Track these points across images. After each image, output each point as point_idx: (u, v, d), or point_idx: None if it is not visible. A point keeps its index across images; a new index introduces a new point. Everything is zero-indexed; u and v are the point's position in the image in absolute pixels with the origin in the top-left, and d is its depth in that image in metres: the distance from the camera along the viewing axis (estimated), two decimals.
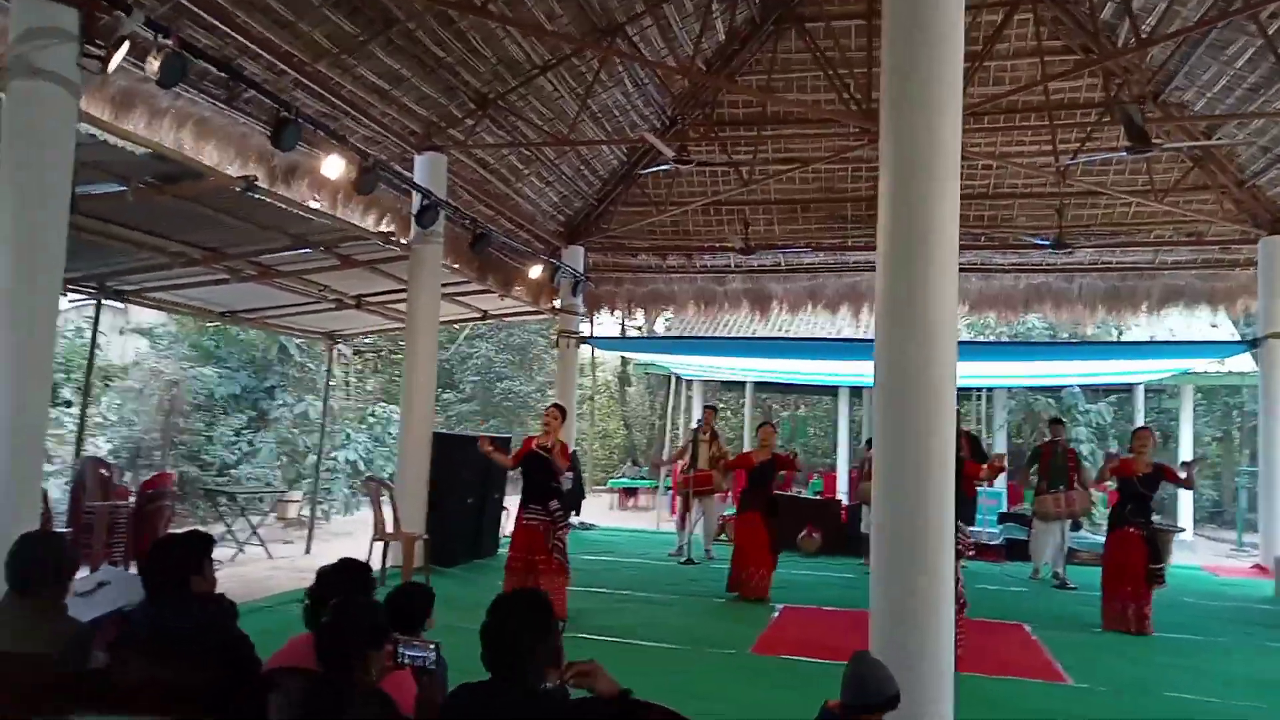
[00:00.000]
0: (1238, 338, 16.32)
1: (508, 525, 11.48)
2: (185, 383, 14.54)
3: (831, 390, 22.12)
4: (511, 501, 12.96)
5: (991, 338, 18.74)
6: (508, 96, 9.92)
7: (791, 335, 15.59)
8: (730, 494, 12.09)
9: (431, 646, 2.81)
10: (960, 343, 12.97)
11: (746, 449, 14.17)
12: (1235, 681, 6.04)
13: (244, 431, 15.89)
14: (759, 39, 10.99)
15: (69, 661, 3.21)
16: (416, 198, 9.48)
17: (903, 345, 4.05)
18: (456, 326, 24.27)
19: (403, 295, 11.88)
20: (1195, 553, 14.11)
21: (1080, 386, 17.81)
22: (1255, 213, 11.50)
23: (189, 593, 3.31)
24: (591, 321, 14.86)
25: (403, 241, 9.63)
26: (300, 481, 15.83)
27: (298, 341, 16.70)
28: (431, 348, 9.83)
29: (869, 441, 11.10)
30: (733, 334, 16.01)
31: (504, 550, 10.72)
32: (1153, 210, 12.12)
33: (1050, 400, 18.23)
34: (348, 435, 17.00)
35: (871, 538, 4.15)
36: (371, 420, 18.16)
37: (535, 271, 12.24)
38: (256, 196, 7.49)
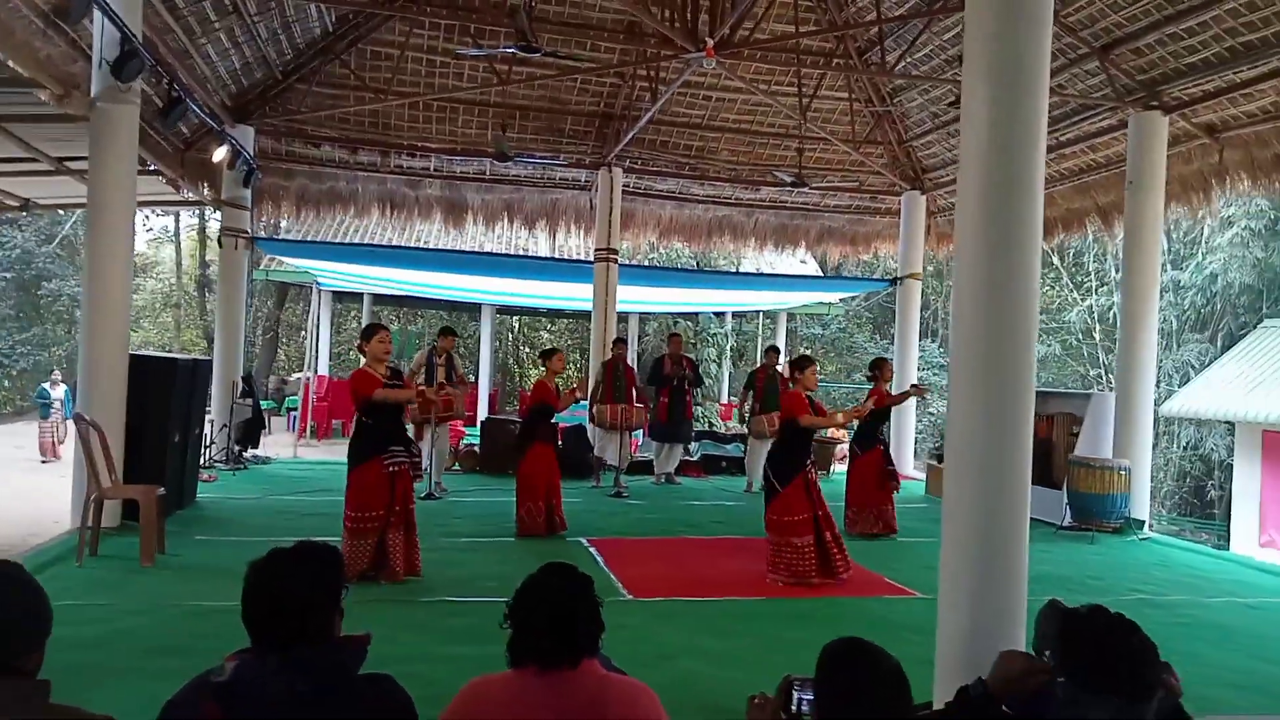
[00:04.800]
0: (818, 273, 19.07)
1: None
2: None
3: (473, 308, 21.54)
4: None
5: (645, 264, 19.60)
6: None
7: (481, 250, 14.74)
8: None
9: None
10: (641, 267, 13.28)
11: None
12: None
13: None
14: None
15: None
16: (102, 39, 7.03)
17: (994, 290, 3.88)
18: None
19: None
20: None
21: (714, 312, 19.54)
22: (905, 169, 13.34)
23: (334, 640, 2.10)
24: (254, 218, 12.52)
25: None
26: None
27: None
28: (126, 241, 7.47)
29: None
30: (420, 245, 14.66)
31: (205, 497, 8.90)
32: (829, 158, 13.47)
33: (689, 323, 19.73)
34: None
35: (949, 480, 4.00)
36: None
37: (220, 154, 9.91)
38: None
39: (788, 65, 11.27)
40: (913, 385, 9.61)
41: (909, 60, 11.11)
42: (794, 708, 2.05)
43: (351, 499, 5.88)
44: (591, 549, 7.45)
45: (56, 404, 14.58)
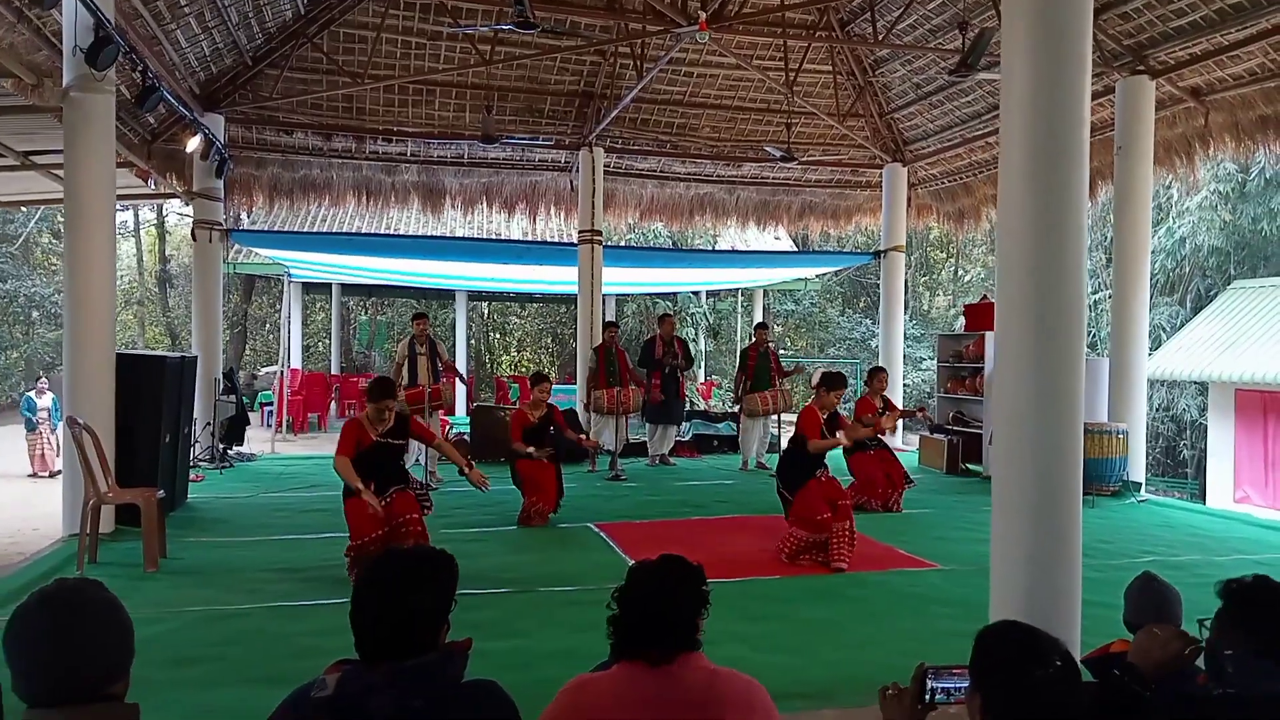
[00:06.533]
0: (793, 248, 19.05)
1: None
2: None
3: (446, 295, 21.22)
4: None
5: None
6: None
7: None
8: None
9: (958, 671, 1.98)
10: (629, 248, 13.13)
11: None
12: None
13: None
14: None
15: None
16: (76, 25, 6.71)
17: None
18: None
19: None
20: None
21: (692, 291, 19.47)
22: (886, 142, 13.30)
23: (442, 650, 1.98)
24: (230, 209, 12.16)
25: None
26: None
27: None
28: (108, 235, 7.16)
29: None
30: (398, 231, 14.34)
31: (196, 498, 8.65)
32: (810, 132, 13.38)
33: (668, 303, 19.64)
34: None
35: (999, 452, 3.95)
36: None
37: (194, 144, 9.58)
38: None
39: (770, 39, 11.13)
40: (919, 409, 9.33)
41: (892, 32, 11.03)
42: (927, 697, 1.97)
43: (351, 528, 5.67)
44: (602, 534, 7.36)
45: (44, 414, 13.27)
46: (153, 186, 11.79)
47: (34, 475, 13.09)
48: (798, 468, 6.53)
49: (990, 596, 4.02)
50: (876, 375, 9.00)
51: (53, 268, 25.68)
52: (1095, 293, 20.45)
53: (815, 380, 7.34)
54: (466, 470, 5.97)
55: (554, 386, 9.32)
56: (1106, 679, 2.04)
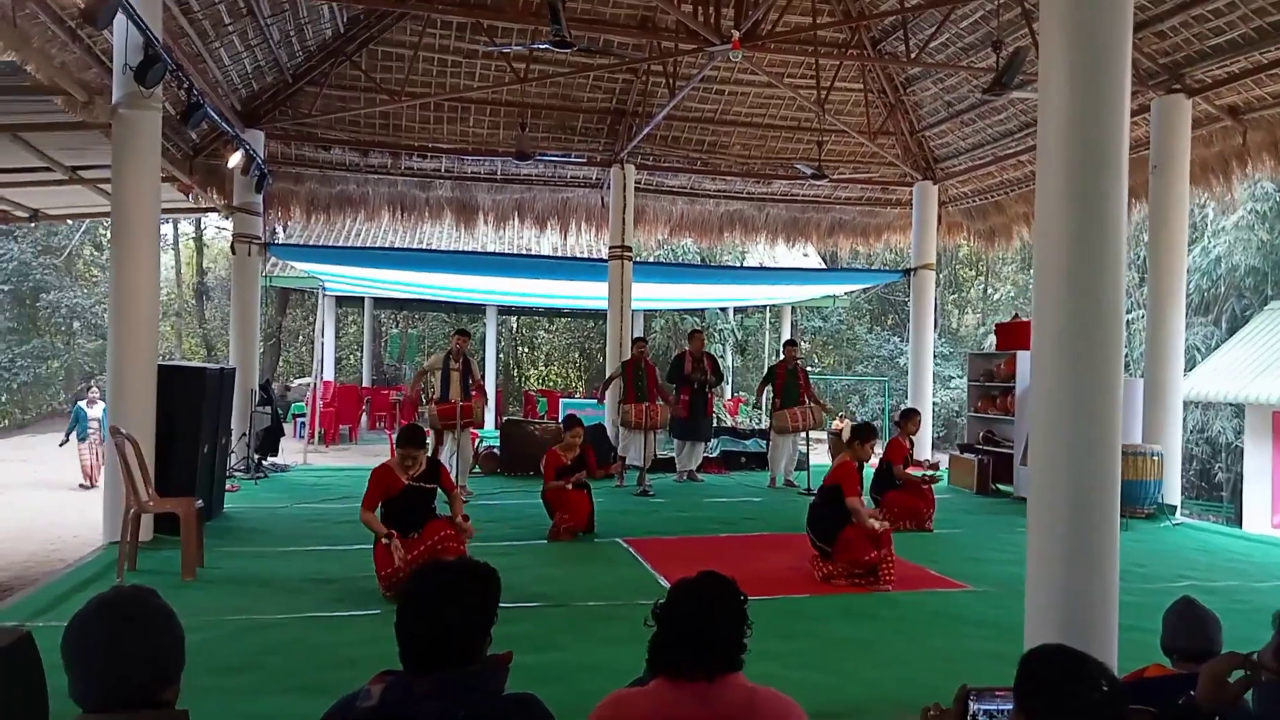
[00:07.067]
0: (822, 265, 19.03)
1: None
2: None
3: (476, 309, 21.42)
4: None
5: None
6: None
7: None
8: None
9: (1001, 693, 1.99)
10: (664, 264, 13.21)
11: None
12: None
13: None
14: None
15: None
16: (126, 44, 6.90)
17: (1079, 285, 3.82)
18: None
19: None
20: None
21: (720, 307, 19.50)
22: (917, 159, 13.27)
23: (482, 661, 2.02)
24: (267, 223, 12.38)
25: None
26: None
27: None
28: (152, 249, 7.34)
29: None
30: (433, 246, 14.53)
31: (232, 507, 8.78)
32: (841, 150, 13.40)
33: (696, 319, 19.69)
34: None
35: (1037, 472, 3.94)
36: None
37: (235, 159, 9.77)
38: None
39: (801, 56, 11.18)
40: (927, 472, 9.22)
41: (925, 51, 11.04)
42: (969, 718, 1.98)
43: (377, 559, 5.69)
44: (630, 549, 7.37)
45: (94, 424, 12.79)
46: (194, 201, 12.02)
47: (84, 486, 12.94)
48: (830, 519, 6.47)
49: (1026, 618, 4.00)
50: (910, 418, 8.97)
51: (94, 279, 26.19)
52: (1129, 312, 20.22)
53: (847, 435, 7.30)
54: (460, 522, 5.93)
55: (578, 400, 9.41)
56: (1168, 708, 2.04)
